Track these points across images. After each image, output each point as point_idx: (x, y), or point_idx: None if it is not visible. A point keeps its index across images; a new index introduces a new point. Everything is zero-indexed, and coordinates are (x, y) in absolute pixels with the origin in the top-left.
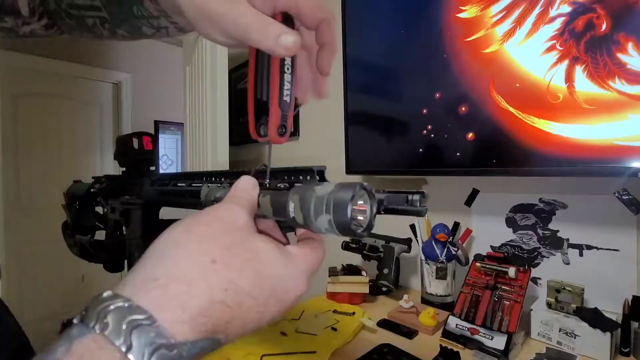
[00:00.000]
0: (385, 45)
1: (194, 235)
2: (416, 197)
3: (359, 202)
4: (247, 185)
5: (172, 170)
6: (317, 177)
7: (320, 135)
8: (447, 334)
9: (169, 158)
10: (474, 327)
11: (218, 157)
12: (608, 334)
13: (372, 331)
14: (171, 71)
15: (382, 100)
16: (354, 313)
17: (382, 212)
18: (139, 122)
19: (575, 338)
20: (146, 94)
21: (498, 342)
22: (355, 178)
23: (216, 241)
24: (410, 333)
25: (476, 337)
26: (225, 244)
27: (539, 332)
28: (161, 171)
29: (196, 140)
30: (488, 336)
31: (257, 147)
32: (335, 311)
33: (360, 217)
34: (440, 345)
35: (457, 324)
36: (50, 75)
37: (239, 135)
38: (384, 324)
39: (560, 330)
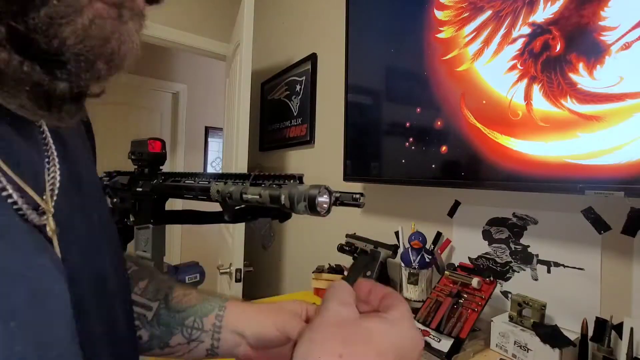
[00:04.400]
0: (378, 68)
1: (317, 340)
2: (357, 196)
3: (324, 196)
4: (341, 284)
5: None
6: (298, 180)
7: (328, 144)
8: None
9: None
10: (427, 329)
11: (239, 161)
12: (557, 351)
13: None
14: (220, 82)
15: (374, 115)
16: None
17: (337, 204)
18: (192, 127)
19: (528, 352)
20: (199, 102)
21: (444, 345)
22: (351, 185)
23: (336, 338)
24: None
25: (426, 338)
26: (343, 338)
27: (497, 344)
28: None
29: (229, 144)
30: (436, 339)
31: (281, 154)
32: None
33: (323, 205)
34: None
35: None
36: (123, 87)
37: (268, 142)
38: None
39: (515, 343)
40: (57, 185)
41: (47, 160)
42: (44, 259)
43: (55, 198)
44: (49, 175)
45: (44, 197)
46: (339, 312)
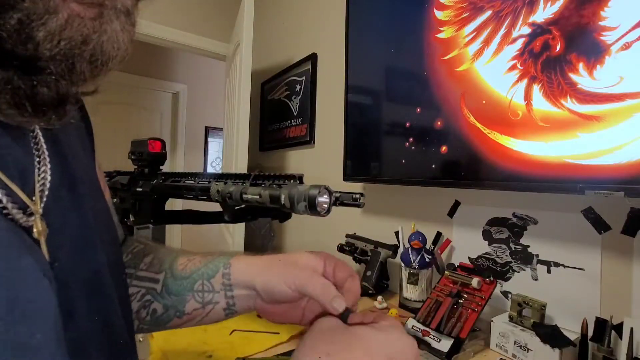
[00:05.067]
0: (378, 68)
1: (308, 343)
2: (357, 196)
3: (324, 197)
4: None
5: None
6: (298, 180)
7: (328, 144)
8: None
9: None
10: (427, 329)
11: (239, 161)
12: (557, 351)
13: None
14: (220, 82)
15: (374, 115)
16: None
17: (337, 204)
18: (192, 127)
19: (528, 352)
20: (199, 102)
21: (444, 345)
22: (351, 185)
23: (324, 339)
24: None
25: (426, 338)
26: (332, 340)
27: (497, 343)
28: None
29: (229, 144)
30: (437, 339)
31: (281, 154)
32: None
33: (323, 205)
34: None
35: (413, 326)
36: (123, 87)
37: (268, 142)
38: None
39: (515, 343)
40: (48, 186)
41: (37, 160)
42: (27, 261)
43: (45, 199)
44: (39, 175)
45: (33, 198)
46: (330, 320)
